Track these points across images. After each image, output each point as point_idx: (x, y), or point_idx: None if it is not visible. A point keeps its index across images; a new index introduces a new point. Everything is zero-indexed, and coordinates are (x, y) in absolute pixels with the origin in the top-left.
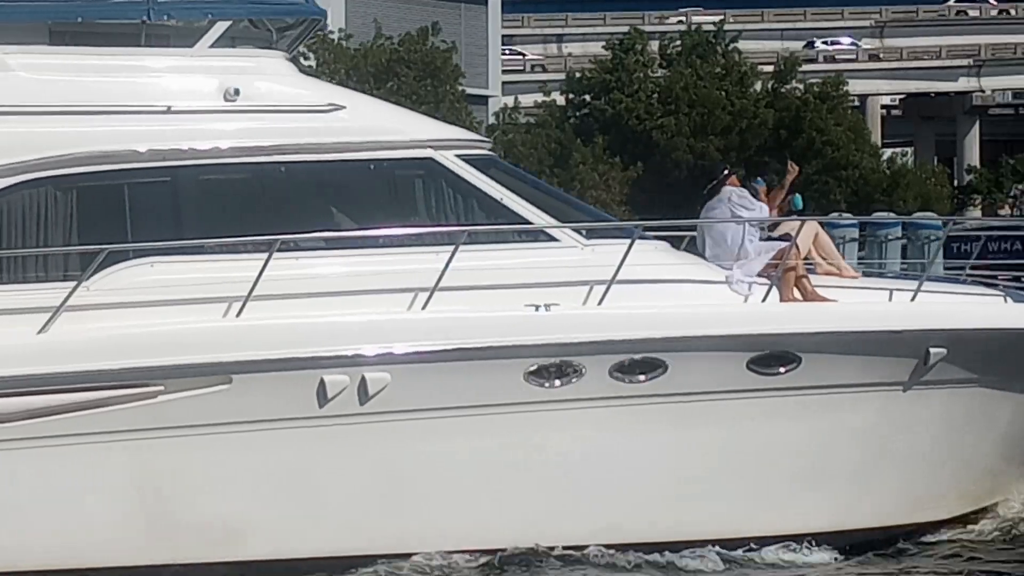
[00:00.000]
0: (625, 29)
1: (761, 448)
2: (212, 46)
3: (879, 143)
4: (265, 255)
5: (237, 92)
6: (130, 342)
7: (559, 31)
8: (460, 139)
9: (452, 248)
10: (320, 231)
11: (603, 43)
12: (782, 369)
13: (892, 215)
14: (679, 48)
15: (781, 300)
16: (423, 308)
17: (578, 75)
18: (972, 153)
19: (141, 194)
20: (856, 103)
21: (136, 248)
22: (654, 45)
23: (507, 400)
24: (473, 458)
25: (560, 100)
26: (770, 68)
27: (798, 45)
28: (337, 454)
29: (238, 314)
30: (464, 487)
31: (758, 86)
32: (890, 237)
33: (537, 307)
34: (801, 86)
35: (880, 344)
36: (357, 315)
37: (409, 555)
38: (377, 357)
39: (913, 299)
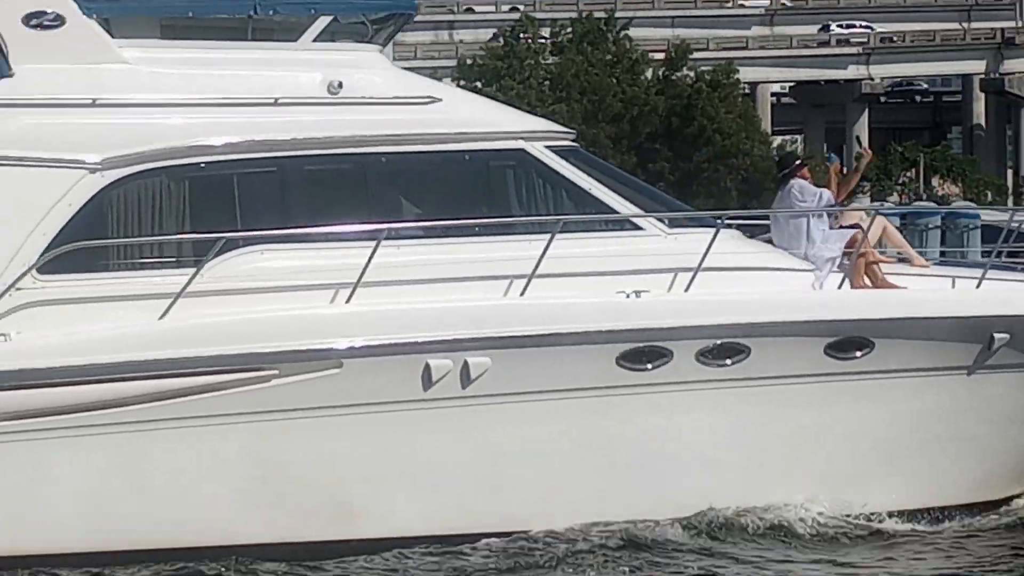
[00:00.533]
0: (516, 16)
1: (837, 430)
2: (314, 40)
3: (769, 131)
4: (369, 243)
5: (341, 85)
6: (245, 328)
7: (450, 18)
8: (548, 131)
9: (548, 236)
10: (421, 220)
11: (494, 30)
12: (858, 353)
13: (933, 204)
14: (570, 35)
15: (852, 287)
16: (521, 295)
17: (469, 62)
18: (861, 141)
19: (249, 184)
20: (746, 91)
21: (246, 237)
22: (545, 32)
23: (599, 384)
24: (566, 439)
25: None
26: (661, 56)
27: (689, 33)
28: (441, 436)
29: (347, 301)
30: (558, 467)
31: (649, 73)
32: (930, 226)
33: (628, 294)
34: (692, 74)
35: (947, 329)
36: (460, 301)
37: (509, 533)
38: (478, 342)
39: (978, 286)
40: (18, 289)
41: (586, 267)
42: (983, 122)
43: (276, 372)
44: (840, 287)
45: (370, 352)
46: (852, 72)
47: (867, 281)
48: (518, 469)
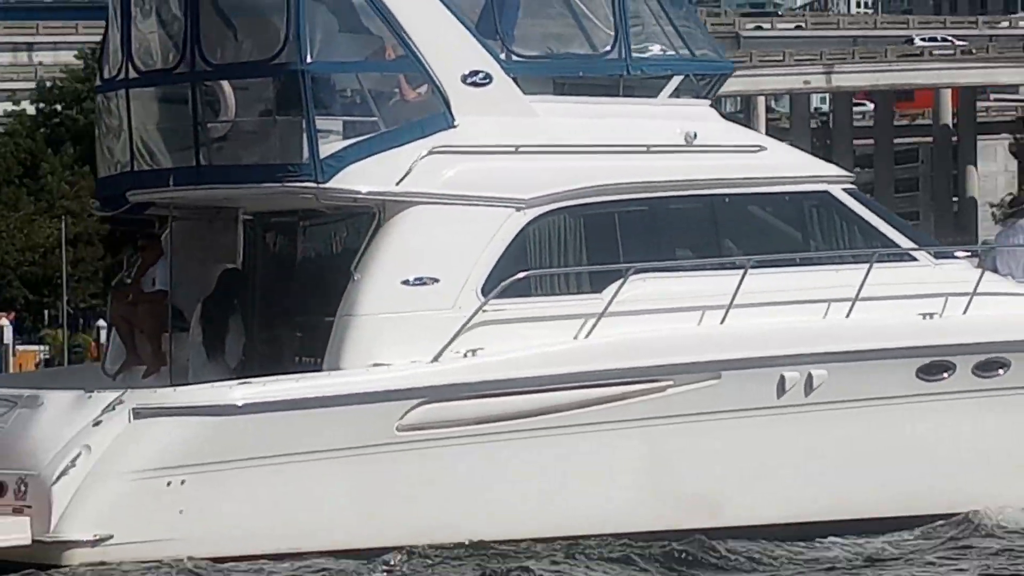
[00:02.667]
0: (98, 38)
1: None
2: (670, 96)
3: None
4: (725, 271)
5: (695, 135)
6: (644, 345)
7: (29, 39)
8: (840, 175)
9: (866, 266)
10: (755, 253)
11: (75, 52)
12: None
13: None
14: None
15: None
16: (847, 316)
17: (49, 84)
18: None
19: (627, 220)
20: None
21: (655, 267)
22: None
23: (904, 392)
24: (881, 438)
25: (31, 109)
26: None
27: None
28: (792, 437)
29: (722, 321)
30: (872, 463)
31: None
32: None
33: (925, 315)
34: None
35: None
36: (805, 323)
37: (849, 520)
38: (820, 356)
39: None
40: (469, 311)
41: (886, 292)
42: None
43: (671, 383)
44: None
45: (744, 364)
46: None
47: None
48: (844, 464)
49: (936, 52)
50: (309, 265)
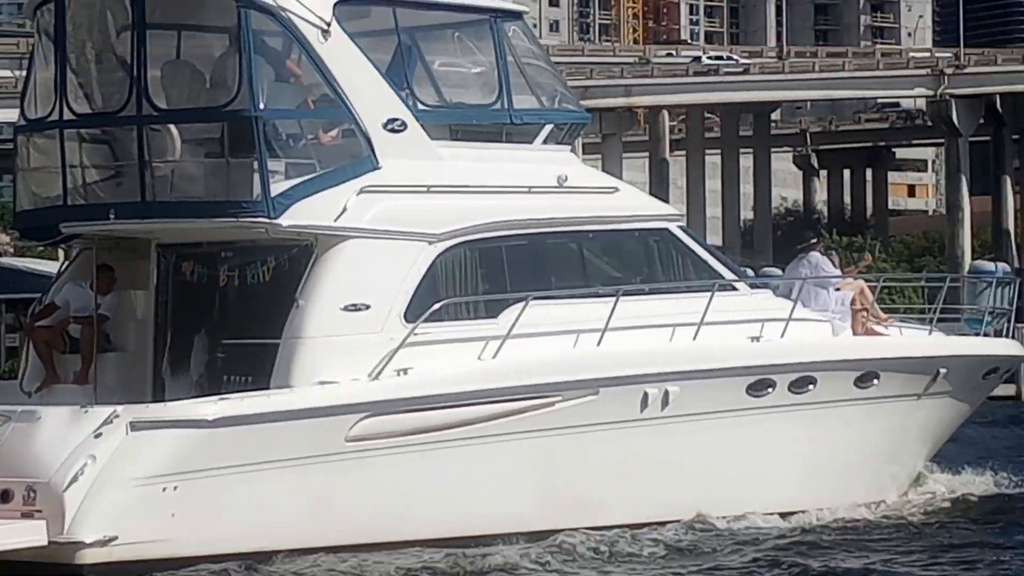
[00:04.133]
0: None
1: (855, 439)
2: (543, 143)
3: None
4: (600, 298)
5: (566, 178)
6: (538, 366)
7: None
8: (675, 214)
9: (703, 294)
10: (611, 283)
11: None
12: (875, 382)
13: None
14: None
15: (854, 334)
16: (694, 339)
17: None
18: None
19: (513, 253)
20: None
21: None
22: None
23: (737, 406)
24: (721, 447)
25: None
26: None
27: None
28: (653, 445)
29: (598, 343)
30: (714, 468)
31: None
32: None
33: (753, 339)
34: None
35: (914, 364)
36: (663, 345)
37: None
38: (674, 374)
39: (929, 334)
40: (392, 336)
41: (719, 318)
42: None
43: (560, 398)
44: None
45: (615, 383)
46: None
47: (863, 330)
48: (699, 466)
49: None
50: (231, 291)
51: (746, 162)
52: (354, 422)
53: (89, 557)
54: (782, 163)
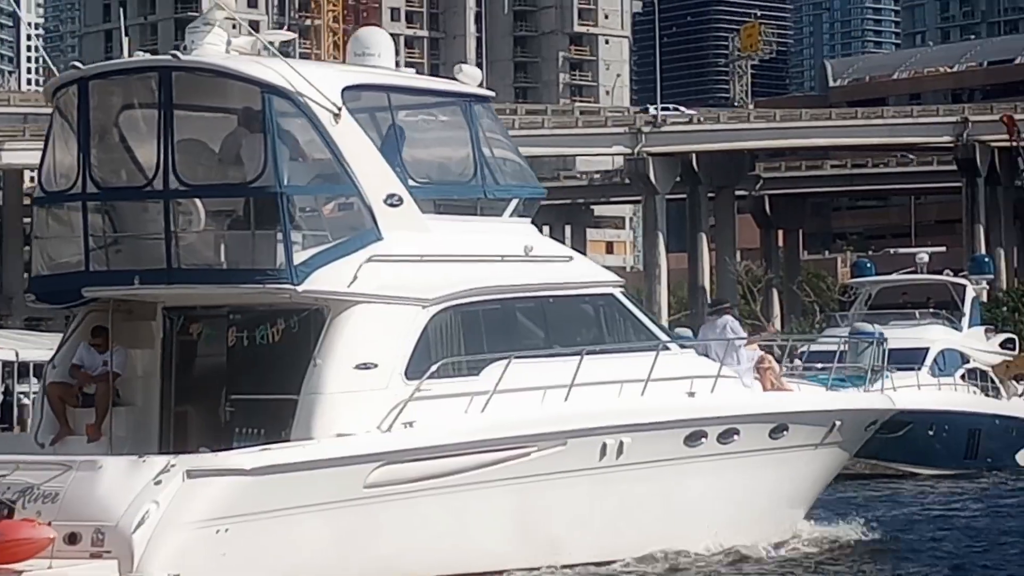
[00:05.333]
0: None
1: (769, 484)
2: (510, 216)
3: None
4: (568, 358)
5: (531, 248)
6: (518, 421)
7: None
8: (617, 280)
9: (646, 354)
10: (579, 344)
11: None
12: (785, 433)
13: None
14: None
15: (764, 390)
16: (641, 395)
17: None
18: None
19: (489, 315)
20: None
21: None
22: None
23: (678, 455)
24: (665, 492)
25: None
26: None
27: None
28: (611, 490)
29: (565, 399)
30: (660, 511)
31: None
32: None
33: (690, 394)
34: None
35: (817, 417)
36: (618, 401)
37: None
38: (627, 427)
39: (828, 389)
40: (396, 391)
41: (656, 375)
42: None
43: (536, 448)
44: (765, 389)
45: (580, 435)
46: None
47: (768, 386)
48: (648, 512)
49: None
50: (239, 350)
51: None
52: (371, 470)
53: None
54: None
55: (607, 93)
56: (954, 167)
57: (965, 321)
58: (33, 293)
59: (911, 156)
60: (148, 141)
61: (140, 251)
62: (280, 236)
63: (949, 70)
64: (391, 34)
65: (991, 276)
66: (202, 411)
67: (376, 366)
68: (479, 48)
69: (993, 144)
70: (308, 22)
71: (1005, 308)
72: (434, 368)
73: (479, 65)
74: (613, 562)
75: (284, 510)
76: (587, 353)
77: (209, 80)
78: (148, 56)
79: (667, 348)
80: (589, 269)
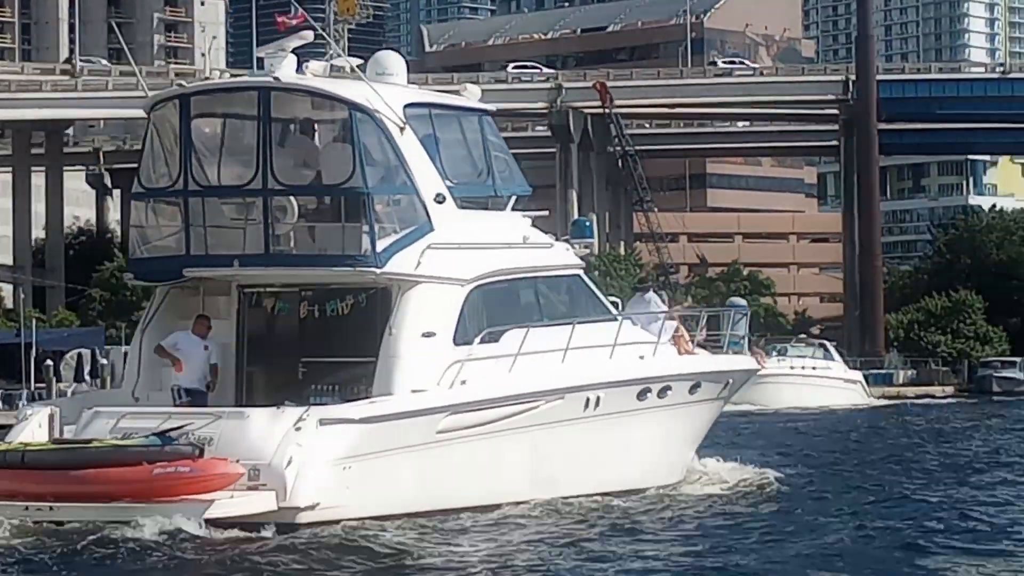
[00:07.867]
0: None
1: (686, 433)
2: (511, 209)
3: None
4: (563, 327)
5: (527, 237)
6: (534, 378)
7: None
8: (580, 263)
9: (617, 324)
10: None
11: None
12: (699, 390)
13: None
14: None
15: (679, 354)
16: (610, 358)
17: None
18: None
19: (501, 292)
20: None
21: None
22: None
23: (634, 407)
24: (626, 437)
25: None
26: None
27: None
28: (592, 436)
29: (562, 360)
30: (625, 453)
31: None
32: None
33: (641, 356)
34: None
35: (719, 376)
36: (597, 364)
37: (616, 492)
38: (602, 384)
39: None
40: (449, 355)
41: (616, 341)
42: None
43: (544, 401)
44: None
45: (573, 391)
46: None
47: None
48: (618, 454)
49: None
50: (311, 322)
51: (38, 180)
52: (442, 419)
53: (303, 518)
54: (75, 182)
55: (203, 55)
56: (548, 133)
57: None
58: (132, 272)
59: (508, 123)
60: (247, 148)
61: (235, 239)
62: (366, 228)
63: (544, 37)
64: None
65: (592, 240)
66: (276, 372)
67: (435, 334)
68: (71, 7)
69: (586, 111)
70: None
71: (597, 272)
72: (480, 336)
73: (72, 27)
74: (599, 495)
75: (385, 451)
76: (578, 323)
77: (300, 98)
78: (247, 78)
79: (615, 319)
80: (563, 253)
